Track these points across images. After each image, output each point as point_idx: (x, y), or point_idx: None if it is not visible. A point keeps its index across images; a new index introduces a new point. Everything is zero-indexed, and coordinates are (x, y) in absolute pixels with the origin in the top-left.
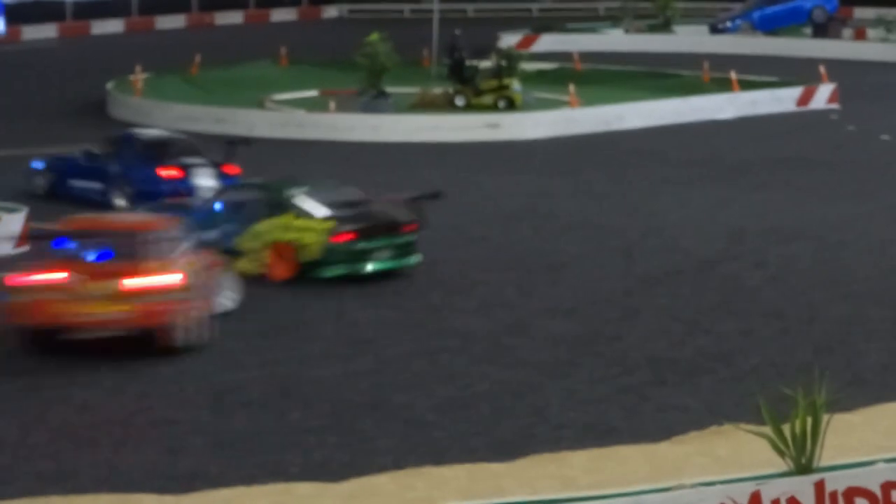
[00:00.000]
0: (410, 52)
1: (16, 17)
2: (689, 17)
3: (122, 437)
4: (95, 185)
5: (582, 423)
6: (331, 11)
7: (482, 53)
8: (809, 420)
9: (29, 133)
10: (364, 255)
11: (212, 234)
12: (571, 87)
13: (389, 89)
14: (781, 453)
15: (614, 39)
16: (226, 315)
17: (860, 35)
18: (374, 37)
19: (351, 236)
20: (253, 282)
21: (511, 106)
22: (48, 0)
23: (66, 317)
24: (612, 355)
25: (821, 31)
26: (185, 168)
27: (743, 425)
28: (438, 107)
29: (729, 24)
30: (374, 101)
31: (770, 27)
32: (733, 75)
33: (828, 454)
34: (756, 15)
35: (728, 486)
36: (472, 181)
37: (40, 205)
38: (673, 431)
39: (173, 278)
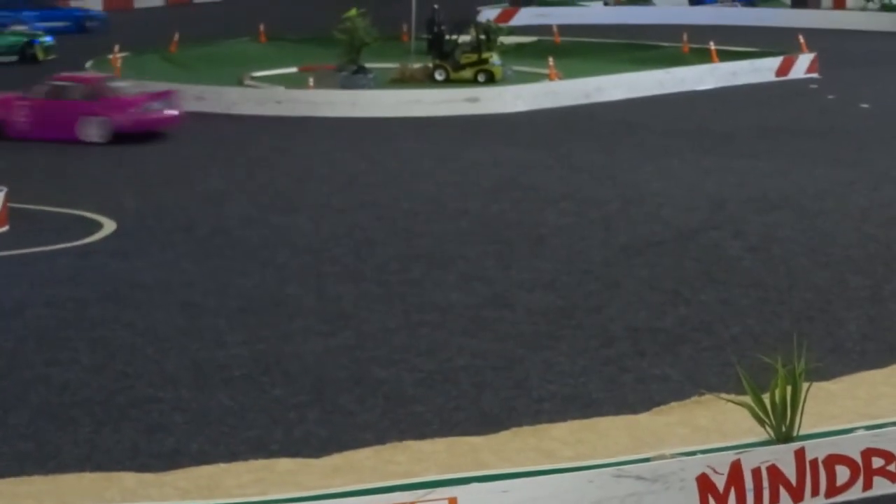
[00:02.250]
0: (389, 27)
1: None
2: None
3: (103, 417)
4: None
5: (563, 395)
6: None
7: (461, 27)
8: (789, 389)
9: None
10: None
11: None
12: (551, 60)
13: (369, 65)
14: (762, 422)
15: (594, 12)
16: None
17: (839, 4)
18: (353, 12)
19: None
20: (233, 258)
21: (491, 80)
22: None
23: None
24: (592, 327)
25: (799, 1)
26: None
27: (723, 395)
28: (418, 81)
29: None
30: (354, 76)
31: None
32: (713, 46)
33: (808, 422)
34: None
35: (709, 456)
36: (453, 155)
37: None
38: (654, 402)
39: None
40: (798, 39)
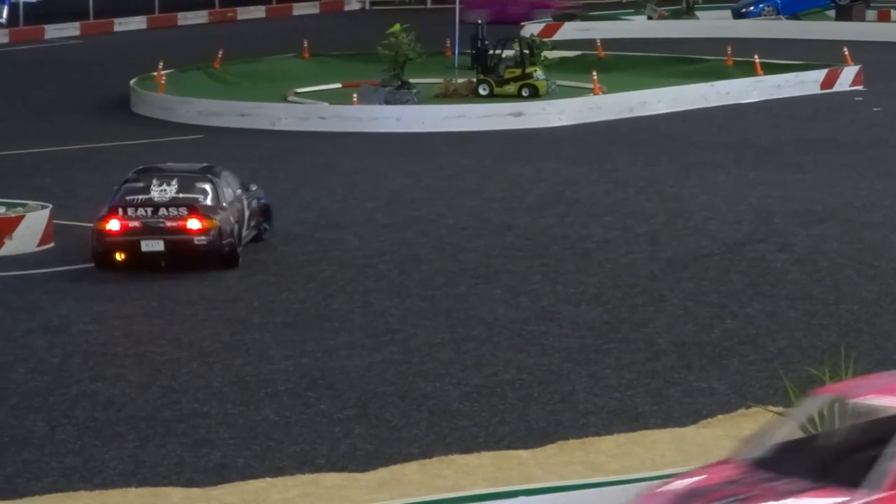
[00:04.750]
0: (433, 42)
1: (39, 15)
2: (712, 1)
3: (149, 432)
4: None
5: (609, 408)
6: (353, 3)
7: (505, 42)
8: None
9: (56, 131)
10: None
11: None
12: (595, 75)
13: (412, 80)
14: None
15: (637, 26)
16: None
17: (884, 16)
18: (397, 28)
19: None
20: (278, 274)
21: (535, 94)
22: None
23: None
24: (638, 341)
25: (844, 13)
26: None
27: (770, 407)
28: (462, 96)
29: (752, 8)
30: (397, 92)
31: (793, 10)
32: (757, 59)
33: None
34: None
35: None
36: (497, 170)
37: None
38: (700, 415)
39: None
40: (843, 52)
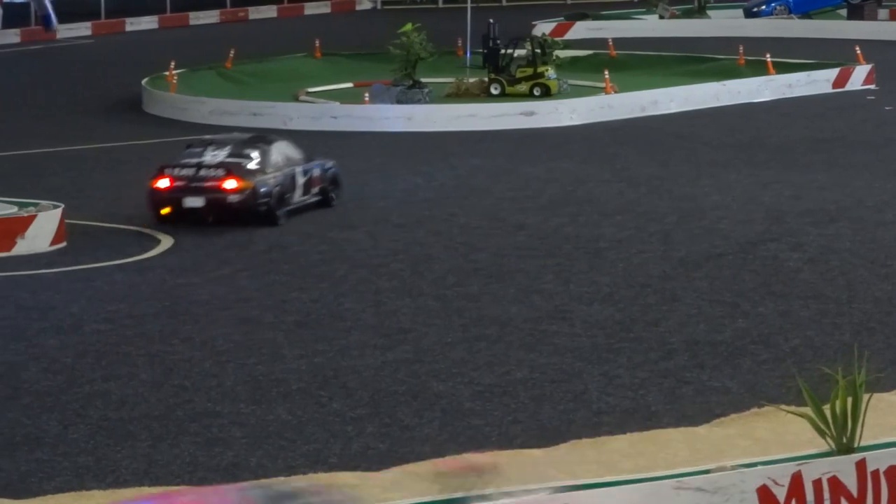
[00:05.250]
0: (445, 41)
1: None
2: (724, 1)
3: (161, 431)
4: None
5: (622, 408)
6: (364, 3)
7: (517, 41)
8: (850, 400)
9: (67, 131)
10: None
11: None
12: (606, 74)
13: (424, 79)
14: (822, 433)
15: (649, 25)
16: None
17: None
18: (408, 27)
19: None
20: (291, 274)
21: (546, 93)
22: None
23: None
24: (651, 340)
25: (856, 12)
26: None
27: (783, 406)
28: (474, 96)
29: (764, 7)
30: (409, 91)
31: (805, 9)
32: (769, 58)
33: (868, 433)
34: None
35: (769, 467)
36: (509, 169)
37: None
38: (713, 414)
39: None
40: (855, 51)
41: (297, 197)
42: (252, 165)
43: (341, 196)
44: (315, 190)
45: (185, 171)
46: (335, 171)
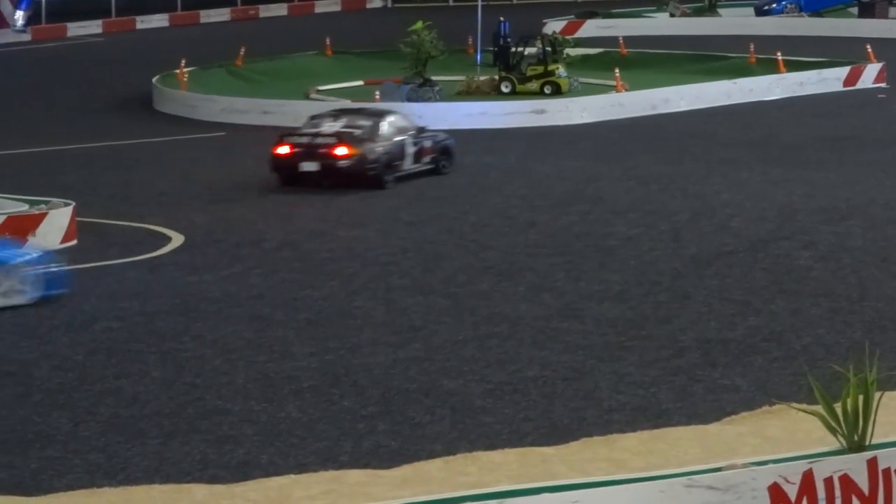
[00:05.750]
0: (455, 39)
1: (61, 13)
2: None
3: (172, 429)
4: None
5: (633, 405)
6: (375, 1)
7: (527, 40)
8: (861, 398)
9: (78, 128)
10: None
11: None
12: (617, 72)
13: (435, 77)
14: (834, 432)
15: (659, 23)
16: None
17: None
18: (419, 25)
19: None
20: (301, 271)
21: (557, 92)
22: None
23: None
24: (662, 338)
25: (867, 10)
26: None
27: (795, 404)
28: (484, 94)
29: (775, 5)
30: (420, 89)
31: (816, 7)
32: (780, 56)
33: (880, 432)
34: None
35: (780, 466)
36: (519, 167)
37: None
38: (724, 412)
39: None
40: (866, 49)
41: (407, 165)
42: (363, 135)
43: (452, 166)
44: (426, 159)
45: (302, 139)
46: (447, 143)
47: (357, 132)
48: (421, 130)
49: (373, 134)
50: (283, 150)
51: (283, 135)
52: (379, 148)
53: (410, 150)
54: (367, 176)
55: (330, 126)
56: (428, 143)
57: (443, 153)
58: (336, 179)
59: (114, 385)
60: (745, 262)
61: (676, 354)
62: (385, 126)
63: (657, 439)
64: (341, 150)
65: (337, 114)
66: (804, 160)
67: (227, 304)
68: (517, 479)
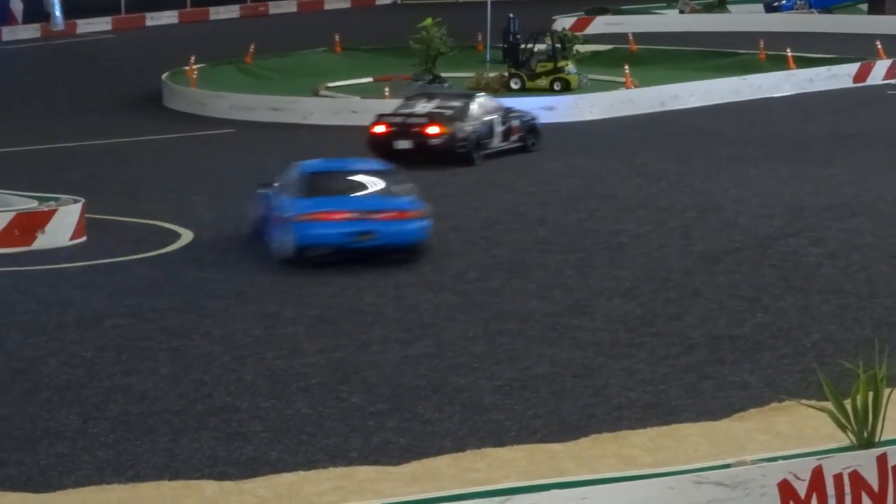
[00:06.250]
0: (464, 36)
1: (71, 10)
2: None
3: (181, 426)
4: None
5: (642, 402)
6: None
7: (537, 36)
8: (871, 394)
9: (88, 125)
10: None
11: None
12: (626, 69)
13: (444, 74)
14: (843, 428)
15: (669, 20)
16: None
17: None
18: (428, 22)
19: None
20: (310, 268)
21: (566, 88)
22: None
23: None
24: (671, 334)
25: (877, 6)
26: None
27: (804, 401)
28: (493, 90)
29: (784, 1)
30: (429, 85)
31: (825, 4)
32: (789, 53)
33: (889, 428)
34: None
35: (790, 462)
36: (529, 164)
37: None
38: (734, 409)
39: None
40: (875, 45)
41: (496, 143)
42: (453, 115)
43: (540, 144)
44: (514, 138)
45: (397, 119)
46: (534, 123)
47: (448, 112)
48: (508, 111)
49: (462, 114)
50: (379, 129)
51: (379, 115)
52: (468, 127)
53: (499, 128)
54: (457, 153)
55: (423, 107)
56: (516, 123)
57: (530, 132)
58: (428, 157)
59: (123, 382)
60: (753, 258)
61: (686, 351)
62: (474, 106)
63: (666, 436)
64: (433, 129)
65: (430, 95)
66: (813, 157)
67: (235, 300)
68: (526, 475)
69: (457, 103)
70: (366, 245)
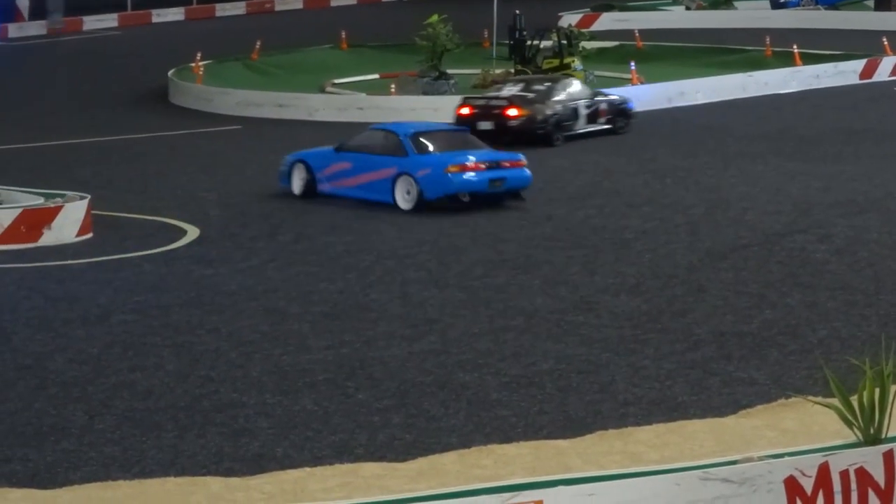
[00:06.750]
0: (471, 33)
1: (77, 7)
2: None
3: (188, 422)
4: None
5: (648, 398)
6: None
7: (543, 33)
8: (877, 391)
9: (94, 122)
10: None
11: None
12: (633, 65)
13: (450, 71)
14: (850, 424)
15: (675, 17)
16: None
17: None
18: (435, 18)
19: None
20: (317, 264)
21: None
22: None
23: None
24: (677, 331)
25: (883, 2)
26: None
27: (811, 397)
28: (500, 87)
29: None
30: (435, 82)
31: (831, 1)
32: (796, 49)
33: None
34: None
35: (797, 458)
36: (535, 160)
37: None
38: (740, 405)
39: None
40: (882, 42)
41: (581, 125)
42: (535, 98)
43: (629, 126)
44: (602, 120)
45: (480, 101)
46: (624, 106)
47: (530, 95)
48: (596, 94)
49: (545, 97)
50: (465, 111)
51: (465, 97)
52: (548, 110)
53: (584, 111)
54: (537, 134)
55: (509, 90)
56: (604, 106)
57: (620, 115)
58: (508, 138)
59: (129, 378)
60: (760, 255)
61: (692, 347)
62: (558, 90)
63: (672, 432)
64: (512, 112)
65: (519, 80)
66: (820, 153)
67: (242, 297)
68: (532, 472)
69: (541, 87)
70: (497, 190)
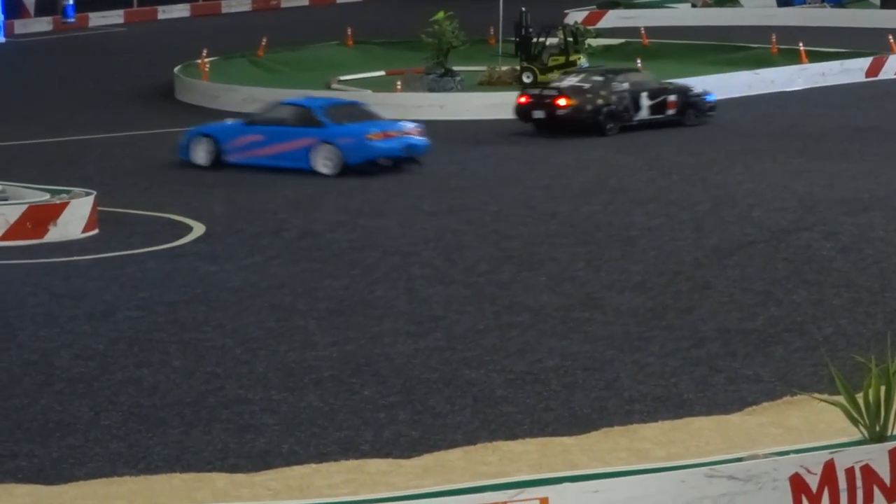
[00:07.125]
0: (476, 30)
1: (83, 3)
2: None
3: (193, 418)
4: None
5: (653, 395)
6: None
7: (549, 30)
8: (883, 388)
9: (100, 118)
10: None
11: None
12: (639, 62)
13: (456, 68)
14: (855, 422)
15: (681, 14)
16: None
17: None
18: (440, 15)
19: None
20: (322, 261)
21: None
22: None
23: None
24: (683, 328)
25: (889, 1)
26: None
27: (816, 395)
28: (506, 84)
29: None
30: (441, 79)
31: None
32: (802, 47)
33: None
34: None
35: (802, 456)
36: (541, 157)
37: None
38: (746, 402)
39: None
40: (888, 40)
41: (642, 115)
42: (589, 89)
43: (699, 119)
44: (670, 111)
45: (536, 91)
46: (697, 100)
47: (585, 86)
48: (666, 86)
49: (599, 88)
50: (522, 100)
51: (524, 87)
52: (599, 100)
53: (646, 102)
54: (586, 123)
55: (567, 81)
56: (672, 98)
57: (690, 107)
58: (558, 126)
59: (135, 374)
60: (766, 252)
61: (697, 344)
62: (617, 82)
63: (678, 429)
64: (561, 101)
65: (579, 71)
66: (826, 151)
67: (247, 293)
68: (538, 468)
69: (598, 78)
70: (406, 156)
